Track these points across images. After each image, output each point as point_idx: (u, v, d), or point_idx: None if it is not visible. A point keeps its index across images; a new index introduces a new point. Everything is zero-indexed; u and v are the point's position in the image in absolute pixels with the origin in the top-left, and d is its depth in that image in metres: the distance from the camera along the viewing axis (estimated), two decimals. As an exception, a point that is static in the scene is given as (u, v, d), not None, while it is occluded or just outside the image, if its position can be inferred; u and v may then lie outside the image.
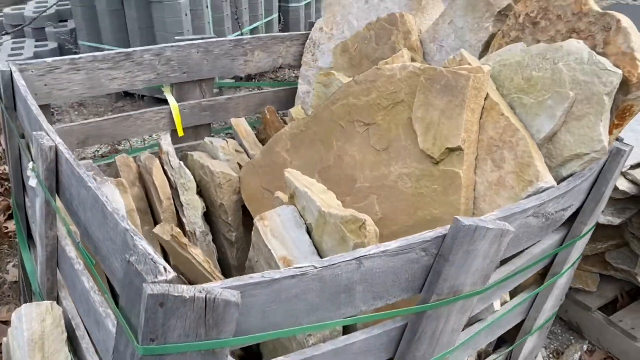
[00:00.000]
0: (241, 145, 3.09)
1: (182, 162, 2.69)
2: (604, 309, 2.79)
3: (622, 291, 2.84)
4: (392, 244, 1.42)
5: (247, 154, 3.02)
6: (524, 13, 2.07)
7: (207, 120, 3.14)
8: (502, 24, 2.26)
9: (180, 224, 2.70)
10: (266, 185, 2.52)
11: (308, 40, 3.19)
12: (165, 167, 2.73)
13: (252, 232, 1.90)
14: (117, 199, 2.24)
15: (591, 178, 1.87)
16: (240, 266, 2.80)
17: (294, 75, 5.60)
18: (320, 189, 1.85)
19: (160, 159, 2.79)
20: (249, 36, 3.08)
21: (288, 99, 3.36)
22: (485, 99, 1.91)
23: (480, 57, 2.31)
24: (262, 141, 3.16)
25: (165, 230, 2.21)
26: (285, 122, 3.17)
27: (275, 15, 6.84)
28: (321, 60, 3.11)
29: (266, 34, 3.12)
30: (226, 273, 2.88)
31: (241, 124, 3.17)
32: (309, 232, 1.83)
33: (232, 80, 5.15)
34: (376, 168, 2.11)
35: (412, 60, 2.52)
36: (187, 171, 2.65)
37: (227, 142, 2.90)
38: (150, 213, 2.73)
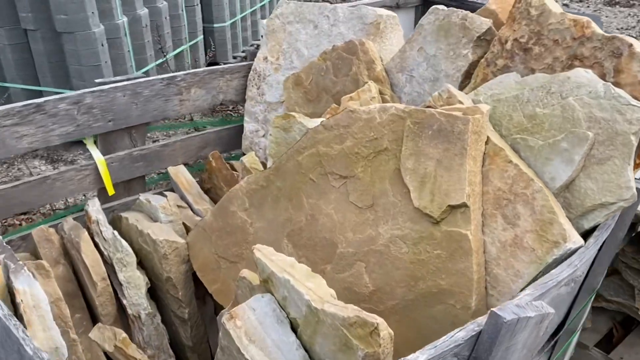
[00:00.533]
0: (183, 198, 2.66)
1: (116, 233, 2.24)
2: (598, 345, 2.60)
3: (615, 323, 2.66)
4: (420, 357, 1.10)
5: (192, 209, 2.60)
6: (511, 38, 1.81)
7: (140, 172, 2.68)
8: (482, 50, 2.00)
9: (120, 306, 2.24)
10: (222, 253, 2.12)
11: (251, 72, 2.82)
12: (97, 239, 2.26)
13: (220, 334, 1.50)
14: (38, 295, 1.76)
15: (612, 226, 1.62)
16: (196, 346, 2.37)
17: (238, 112, 5.02)
18: (304, 272, 1.49)
19: (88, 228, 2.32)
20: (183, 72, 2.66)
21: (233, 139, 2.97)
22: (486, 142, 1.62)
23: (461, 87, 2.04)
24: (208, 191, 2.75)
25: (105, 336, 1.76)
26: (232, 168, 2.77)
27: (200, 37, 6.40)
28: (269, 94, 2.75)
29: (202, 69, 2.72)
30: (181, 356, 2.43)
31: (181, 173, 2.74)
32: (293, 329, 1.46)
33: (167, 122, 4.62)
34: (361, 230, 1.77)
35: (380, 93, 2.21)
36: (124, 243, 2.20)
37: (167, 199, 2.46)
38: (81, 295, 2.25)
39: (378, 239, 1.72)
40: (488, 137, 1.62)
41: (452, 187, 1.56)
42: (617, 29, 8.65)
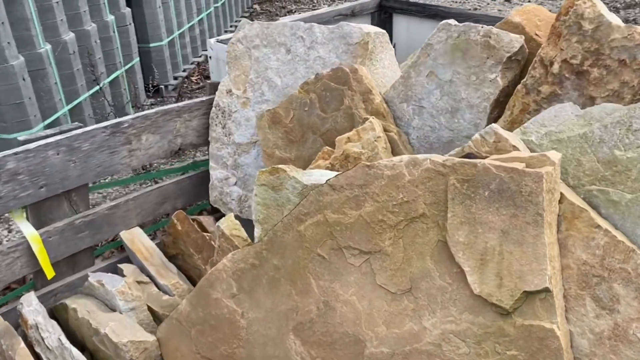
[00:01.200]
0: (143, 270, 2.16)
1: (63, 338, 1.71)
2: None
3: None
4: None
5: (156, 284, 2.10)
6: (559, 59, 1.44)
7: (87, 244, 2.16)
8: (512, 73, 1.63)
9: None
10: (207, 353, 1.65)
11: (214, 109, 2.35)
12: (37, 349, 1.73)
13: None
14: None
15: None
16: None
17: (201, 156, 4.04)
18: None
19: (24, 334, 1.79)
20: (130, 117, 2.16)
21: (197, 188, 2.48)
22: (560, 201, 1.24)
23: (491, 120, 1.66)
24: (174, 258, 2.25)
25: None
26: (201, 225, 2.29)
27: (137, 59, 5.82)
28: (238, 133, 2.29)
29: (154, 110, 2.23)
30: None
31: (138, 239, 2.23)
32: None
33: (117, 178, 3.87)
34: (397, 323, 1.35)
35: (386, 131, 1.80)
36: (75, 352, 1.68)
37: (125, 280, 1.95)
38: (21, 423, 1.71)
39: (423, 335, 1.31)
40: (561, 193, 1.24)
41: (527, 266, 1.17)
42: None
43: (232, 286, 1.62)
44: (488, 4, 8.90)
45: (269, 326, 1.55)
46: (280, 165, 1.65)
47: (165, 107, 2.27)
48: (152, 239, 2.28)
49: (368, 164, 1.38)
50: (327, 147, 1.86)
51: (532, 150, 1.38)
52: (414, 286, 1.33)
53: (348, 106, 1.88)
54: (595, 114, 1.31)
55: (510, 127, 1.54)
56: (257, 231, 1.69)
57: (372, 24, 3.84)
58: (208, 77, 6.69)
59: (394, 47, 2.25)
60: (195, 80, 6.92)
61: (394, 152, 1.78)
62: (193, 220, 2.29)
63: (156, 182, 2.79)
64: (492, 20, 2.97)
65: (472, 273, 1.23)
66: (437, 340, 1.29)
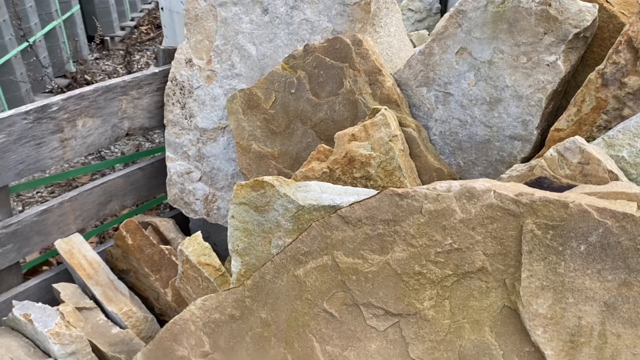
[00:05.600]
0: (86, 290, 1.72)
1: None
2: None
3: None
4: None
5: (104, 311, 1.67)
6: (658, 40, 1.04)
7: (11, 260, 1.69)
8: (576, 55, 1.22)
9: None
10: None
11: (169, 84, 1.86)
12: None
13: None
14: None
15: None
16: None
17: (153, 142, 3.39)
18: None
19: None
20: (60, 97, 1.66)
21: (151, 182, 2.02)
22: (682, 256, 0.87)
23: (548, 119, 1.26)
24: (124, 274, 1.81)
25: None
26: (160, 234, 1.85)
27: (77, 7, 5.11)
28: (202, 116, 1.82)
29: (91, 87, 1.72)
30: None
31: (78, 251, 1.77)
32: None
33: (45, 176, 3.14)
34: (439, 412, 0.98)
35: (402, 125, 1.38)
36: None
37: (60, 313, 1.51)
38: None
39: None
40: (686, 246, 0.87)
41: (645, 359, 0.81)
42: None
43: (204, 342, 1.21)
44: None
45: (255, 397, 1.16)
46: (266, 178, 1.21)
47: (106, 82, 1.77)
48: (96, 245, 1.83)
49: (399, 192, 0.97)
50: (322, 144, 1.43)
51: (624, 172, 1.00)
52: (464, 365, 0.95)
53: (349, 90, 1.45)
54: None
55: (576, 131, 1.15)
56: (236, 264, 1.27)
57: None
58: (159, 27, 6.00)
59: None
60: (146, 30, 6.21)
61: (412, 154, 1.37)
62: (147, 225, 1.84)
63: (99, 175, 2.29)
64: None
65: (556, 359, 0.86)
66: None
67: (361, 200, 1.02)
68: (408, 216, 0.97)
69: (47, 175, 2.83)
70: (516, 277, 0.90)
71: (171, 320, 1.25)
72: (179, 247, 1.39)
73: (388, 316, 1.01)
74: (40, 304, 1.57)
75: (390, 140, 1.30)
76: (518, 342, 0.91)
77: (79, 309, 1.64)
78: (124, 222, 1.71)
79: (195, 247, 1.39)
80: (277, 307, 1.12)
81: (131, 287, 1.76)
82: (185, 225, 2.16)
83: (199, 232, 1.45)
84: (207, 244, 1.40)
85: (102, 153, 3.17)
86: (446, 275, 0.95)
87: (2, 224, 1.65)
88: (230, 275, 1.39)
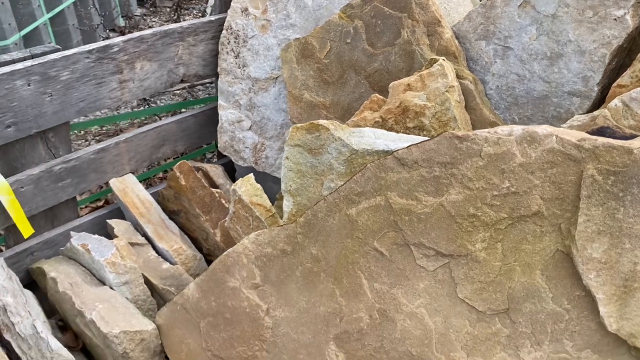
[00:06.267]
0: (138, 228, 1.80)
1: (38, 324, 1.37)
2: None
3: None
4: None
5: (155, 248, 1.74)
6: None
7: (69, 194, 1.77)
8: (649, 9, 1.19)
9: None
10: (221, 352, 1.32)
11: (225, 33, 1.89)
12: (7, 336, 1.39)
13: None
14: None
15: None
16: None
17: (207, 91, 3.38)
18: None
19: (-10, 314, 1.44)
20: (121, 39, 1.71)
21: (202, 129, 2.07)
22: None
23: (609, 75, 1.24)
24: (175, 214, 1.88)
25: None
26: (207, 176, 1.90)
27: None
28: (255, 65, 1.84)
29: (150, 31, 1.77)
30: None
31: (131, 190, 1.85)
32: None
33: (104, 116, 3.20)
34: (483, 350, 1.00)
35: (458, 77, 1.38)
36: (54, 344, 1.34)
37: (115, 245, 1.59)
38: (-9, 418, 1.41)
39: (521, 371, 0.97)
40: None
41: (700, 306, 0.81)
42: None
43: (255, 275, 1.26)
44: None
45: (301, 330, 1.21)
46: (321, 122, 1.24)
47: (164, 27, 1.81)
48: (146, 188, 1.90)
49: (459, 134, 0.98)
50: (375, 94, 1.44)
51: (690, 127, 0.99)
52: (512, 307, 0.98)
53: (407, 40, 1.45)
54: None
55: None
56: (288, 204, 1.31)
57: None
58: (207, -13, 6.01)
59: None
60: (194, -12, 6.24)
61: (468, 107, 1.37)
62: (197, 170, 1.90)
63: (154, 121, 2.36)
64: None
65: (607, 302, 0.87)
66: (542, 382, 0.95)
67: (419, 143, 1.03)
68: (466, 159, 0.98)
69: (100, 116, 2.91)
70: (572, 222, 0.90)
71: (225, 253, 1.30)
72: (232, 186, 1.44)
73: (438, 257, 1.04)
74: (96, 235, 1.65)
75: (446, 91, 1.30)
76: (569, 286, 0.92)
77: (132, 245, 1.72)
78: (178, 163, 1.77)
79: (247, 187, 1.43)
80: (328, 244, 1.16)
81: (181, 228, 1.83)
82: (231, 175, 2.21)
83: (252, 174, 1.49)
84: (259, 185, 1.44)
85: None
86: (501, 218, 0.96)
87: (62, 159, 1.73)
88: (280, 218, 1.43)
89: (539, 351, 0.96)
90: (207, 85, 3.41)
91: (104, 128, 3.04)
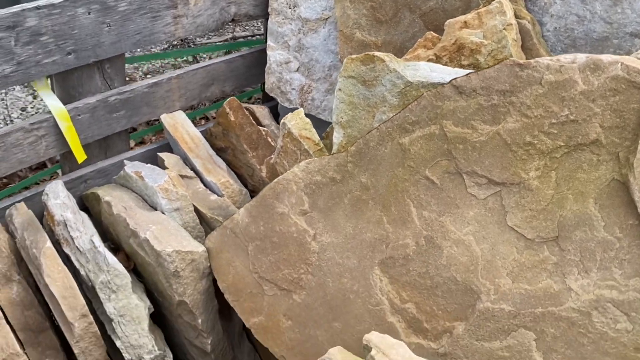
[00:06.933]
0: (187, 162, 1.85)
1: (96, 240, 1.45)
2: None
3: None
4: None
5: (202, 181, 1.80)
6: None
7: (122, 126, 1.84)
8: None
9: (112, 345, 1.52)
10: (267, 274, 1.37)
11: (277, -28, 1.89)
12: (66, 249, 1.48)
13: None
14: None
15: None
16: (223, 380, 1.69)
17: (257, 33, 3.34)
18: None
19: (51, 229, 1.52)
20: (178, -27, 1.74)
21: (251, 71, 2.10)
22: None
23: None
24: (222, 151, 1.93)
25: None
26: (253, 115, 1.94)
27: None
28: (305, 6, 1.85)
29: (206, -34, 1.79)
30: (201, 394, 1.77)
31: (181, 126, 1.90)
32: None
33: (157, 52, 3.27)
34: (529, 277, 1.03)
35: (516, 17, 1.36)
36: (111, 258, 1.42)
37: (168, 174, 1.65)
38: (50, 326, 1.51)
39: (566, 298, 0.99)
40: None
41: None
42: None
43: (304, 201, 1.30)
44: None
45: (347, 255, 1.25)
46: (376, 53, 1.25)
47: (220, -36, 1.82)
48: (194, 127, 1.95)
49: (520, 62, 0.98)
50: (430, 32, 1.44)
51: None
52: (562, 235, 0.99)
53: (464, -21, 1.43)
54: None
55: None
56: (338, 136, 1.33)
57: None
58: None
59: None
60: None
61: (524, 47, 1.36)
62: (245, 109, 1.94)
63: (197, 61, 2.39)
64: None
65: (661, 231, 0.88)
66: (586, 307, 0.97)
67: (478, 71, 1.04)
68: (526, 87, 0.99)
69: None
70: (631, 150, 0.91)
71: (275, 180, 1.34)
72: (282, 120, 1.47)
73: (490, 185, 1.05)
74: (149, 164, 1.71)
75: (504, 29, 1.29)
76: (622, 215, 0.93)
77: (181, 177, 1.78)
78: (227, 100, 1.81)
79: (297, 121, 1.46)
80: (378, 173, 1.19)
81: (227, 164, 1.88)
82: (275, 119, 2.24)
83: (301, 108, 1.52)
84: (308, 119, 1.47)
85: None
86: (557, 146, 0.97)
87: (117, 91, 1.79)
88: (328, 153, 1.46)
89: (586, 279, 0.97)
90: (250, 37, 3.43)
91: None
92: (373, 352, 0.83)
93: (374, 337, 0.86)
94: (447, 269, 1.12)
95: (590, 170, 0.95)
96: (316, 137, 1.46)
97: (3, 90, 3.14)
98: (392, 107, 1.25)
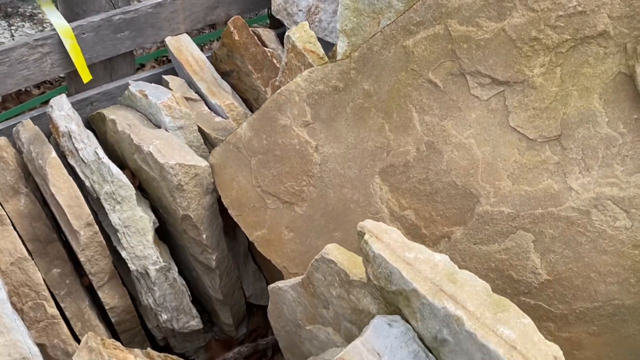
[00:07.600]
0: (192, 85, 1.84)
1: (100, 152, 1.46)
2: None
3: None
4: None
5: (207, 103, 1.79)
6: None
7: (127, 47, 1.82)
8: None
9: (118, 256, 1.55)
10: (269, 188, 1.38)
11: None
12: (71, 161, 1.49)
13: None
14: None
15: None
16: (227, 297, 1.73)
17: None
18: (481, 291, 0.77)
19: (56, 142, 1.54)
20: None
21: (257, -6, 2.06)
22: None
23: None
24: (227, 75, 1.92)
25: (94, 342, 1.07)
26: (260, 39, 1.91)
27: None
28: None
29: None
30: (206, 308, 1.81)
31: (186, 48, 1.88)
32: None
33: None
34: (530, 178, 1.02)
35: None
36: (114, 169, 1.43)
37: (172, 92, 1.64)
38: (58, 238, 1.54)
39: (566, 197, 0.98)
40: None
41: None
42: None
43: (306, 112, 1.29)
44: None
45: (348, 165, 1.25)
46: (382, -44, 1.21)
47: None
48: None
49: (529, -49, 0.95)
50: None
51: None
52: (565, 133, 0.97)
53: None
54: None
55: None
56: (342, 45, 1.31)
57: None
58: None
59: None
60: None
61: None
62: (252, 32, 1.90)
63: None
64: None
65: (666, 123, 0.86)
66: (586, 205, 0.96)
67: (485, -36, 1.00)
68: (533, -21, 0.95)
69: None
70: (639, 40, 0.88)
71: (277, 91, 1.33)
72: (287, 33, 1.45)
73: (494, 85, 1.03)
74: (153, 84, 1.71)
75: None
76: (627, 110, 0.91)
77: (186, 99, 1.77)
78: (232, 18, 1.78)
79: (302, 34, 1.43)
80: (381, 78, 1.17)
81: (232, 87, 1.86)
82: (281, 43, 2.21)
83: (306, 21, 1.49)
84: (312, 32, 1.44)
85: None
86: (563, 40, 0.94)
87: (121, 10, 1.76)
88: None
89: (587, 177, 0.96)
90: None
91: None
92: (366, 237, 0.84)
93: (367, 224, 0.87)
94: (447, 174, 1.11)
95: (596, 64, 0.93)
96: (321, 51, 1.44)
97: (13, 27, 3.12)
98: (397, 12, 1.22)
